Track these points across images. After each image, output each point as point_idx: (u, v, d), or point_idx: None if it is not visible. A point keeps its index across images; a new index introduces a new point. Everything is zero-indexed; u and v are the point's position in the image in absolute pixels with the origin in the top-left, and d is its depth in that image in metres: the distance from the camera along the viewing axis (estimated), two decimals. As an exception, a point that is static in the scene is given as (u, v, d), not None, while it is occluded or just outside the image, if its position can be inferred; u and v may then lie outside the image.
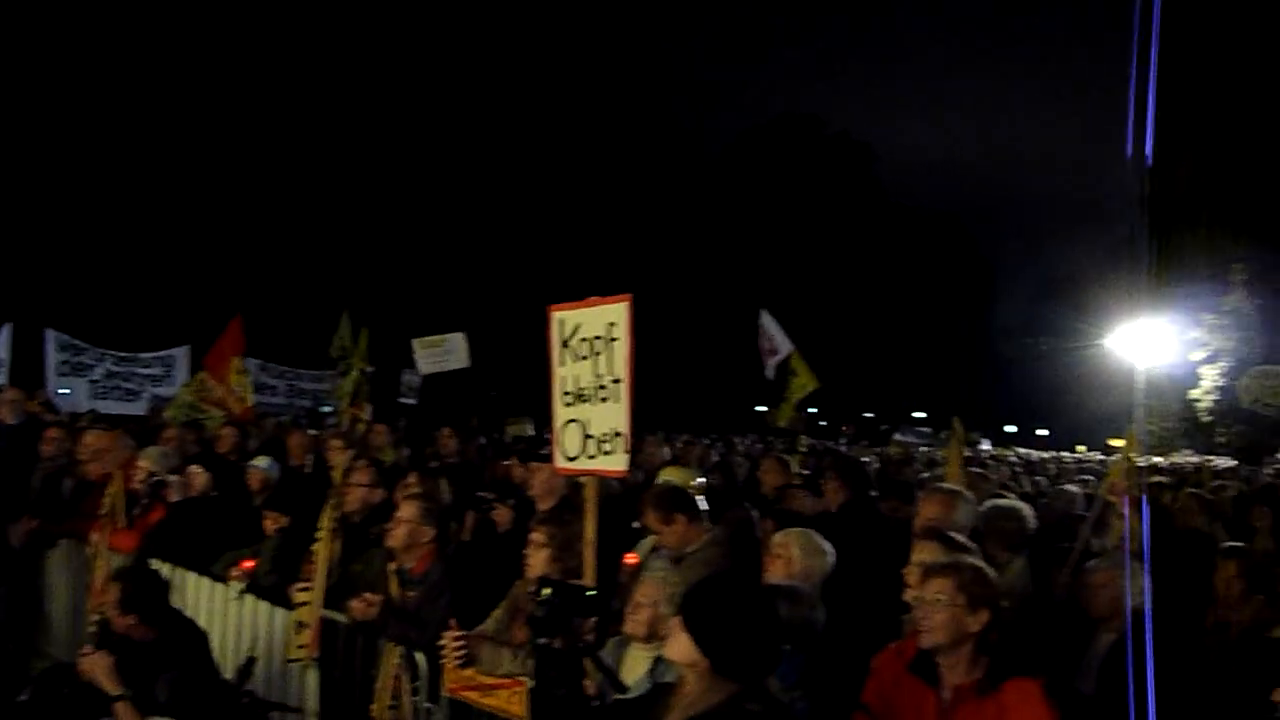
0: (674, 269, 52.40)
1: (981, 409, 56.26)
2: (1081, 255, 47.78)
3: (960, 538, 4.26)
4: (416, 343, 12.66)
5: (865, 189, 68.65)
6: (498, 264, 44.12)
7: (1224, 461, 29.90)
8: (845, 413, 50.44)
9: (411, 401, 17.82)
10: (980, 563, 3.52)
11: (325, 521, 5.05)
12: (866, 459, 15.36)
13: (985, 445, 31.37)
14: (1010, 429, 62.24)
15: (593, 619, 3.25)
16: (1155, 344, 35.32)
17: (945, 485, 5.59)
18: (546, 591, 3.13)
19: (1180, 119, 35.09)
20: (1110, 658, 4.18)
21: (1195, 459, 32.69)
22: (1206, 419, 37.18)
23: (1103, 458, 27.96)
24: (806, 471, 8.20)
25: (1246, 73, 36.52)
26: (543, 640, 3.05)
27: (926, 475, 13.11)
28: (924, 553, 4.13)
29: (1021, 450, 32.99)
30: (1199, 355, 36.50)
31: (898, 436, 29.86)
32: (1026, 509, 5.96)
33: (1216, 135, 36.95)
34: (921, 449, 25.66)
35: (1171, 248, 38.80)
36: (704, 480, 6.60)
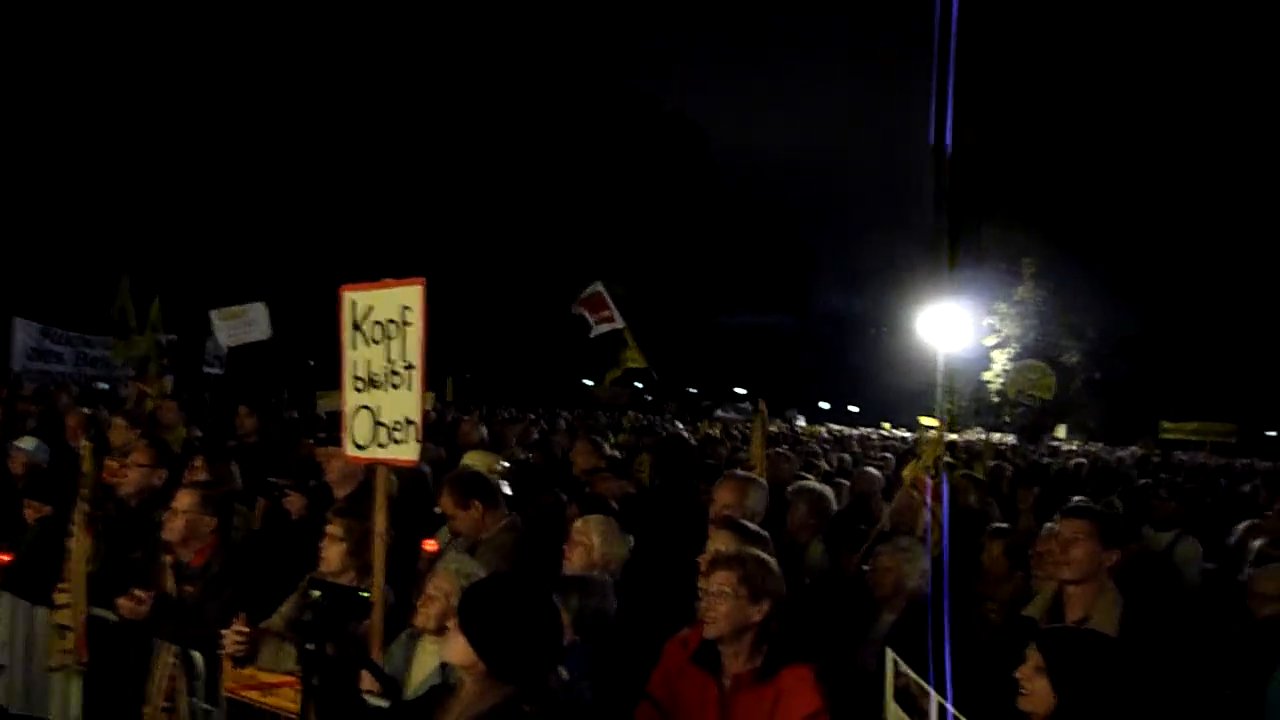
0: (505, 241, 51.75)
1: (798, 387, 59.01)
2: (895, 243, 50.71)
3: (753, 526, 4.39)
4: (215, 314, 11.86)
5: (699, 171, 70.02)
6: (315, 230, 42.11)
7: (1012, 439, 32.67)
8: (670, 388, 51.57)
9: (217, 371, 16.80)
10: (764, 554, 3.63)
11: (76, 515, 4.63)
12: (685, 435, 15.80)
13: (800, 421, 32.83)
14: (824, 405, 65.67)
15: (366, 622, 3.11)
16: (954, 329, 38.03)
17: (740, 472, 5.76)
18: (316, 594, 2.98)
19: (981, 117, 37.62)
20: (890, 636, 4.42)
21: (983, 436, 35.53)
22: (995, 400, 40.33)
23: (906, 435, 29.91)
24: (618, 454, 8.25)
25: (1042, 74, 39.59)
26: (310, 645, 2.89)
27: (742, 454, 13.61)
28: (718, 541, 4.24)
29: (834, 426, 34.82)
30: (991, 340, 39.50)
31: (719, 413, 30.77)
32: (828, 492, 6.24)
33: (1011, 136, 39.94)
34: (740, 426, 26.52)
35: (971, 240, 41.88)
36: (508, 465, 6.52)
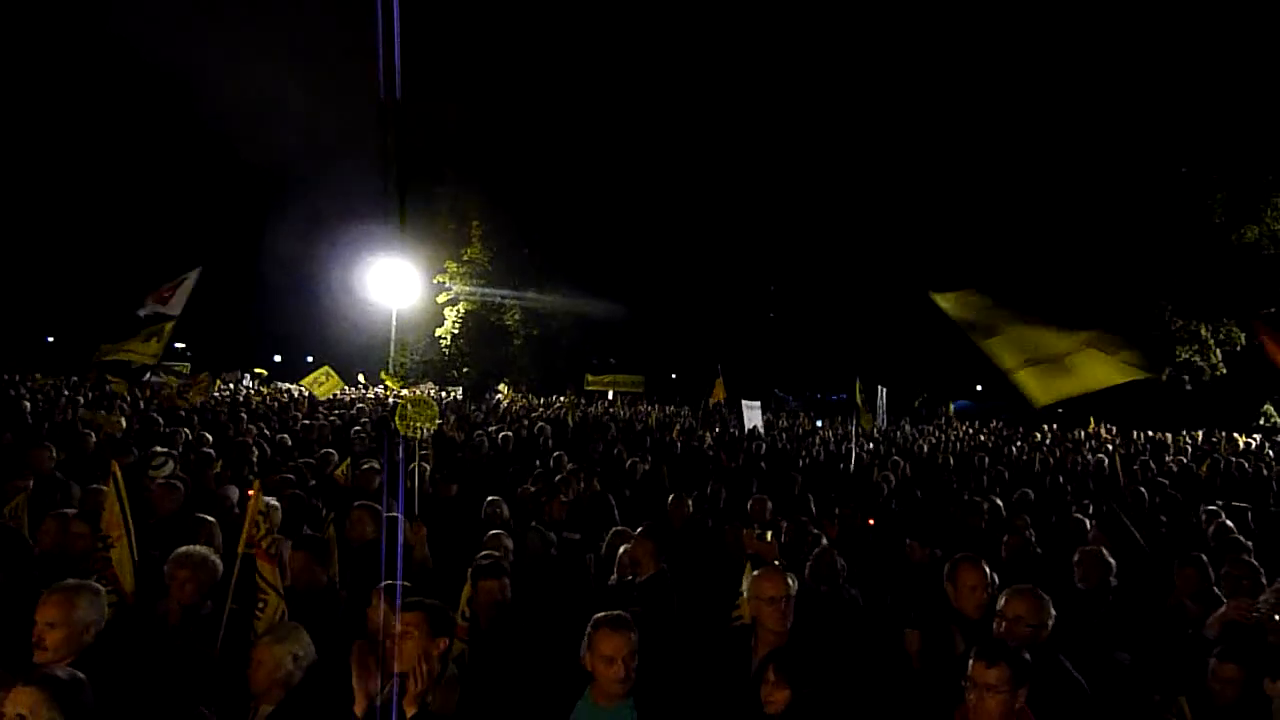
0: None
1: (250, 341, 55.44)
2: (350, 195, 49.80)
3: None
4: None
5: (131, 101, 61.14)
6: None
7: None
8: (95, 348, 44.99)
9: None
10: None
11: None
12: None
13: (247, 382, 30.95)
14: (277, 359, 62.69)
15: None
16: (407, 285, 39.00)
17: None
18: None
19: (435, 78, 38.54)
20: None
21: (435, 390, 37.11)
22: (448, 356, 42.19)
23: (357, 392, 29.89)
24: None
25: (495, 41, 41.61)
26: None
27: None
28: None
29: (283, 385, 33.46)
30: (444, 298, 41.10)
31: (150, 377, 27.53)
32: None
33: (463, 98, 41.57)
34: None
35: (424, 199, 43.00)
36: None
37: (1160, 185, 30.99)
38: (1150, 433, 23.65)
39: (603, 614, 3.89)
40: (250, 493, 5.06)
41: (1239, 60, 28.56)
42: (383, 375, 27.17)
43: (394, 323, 39.47)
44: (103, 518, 4.84)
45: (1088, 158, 31.45)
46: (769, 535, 5.83)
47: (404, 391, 28.06)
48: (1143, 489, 10.59)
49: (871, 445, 17.07)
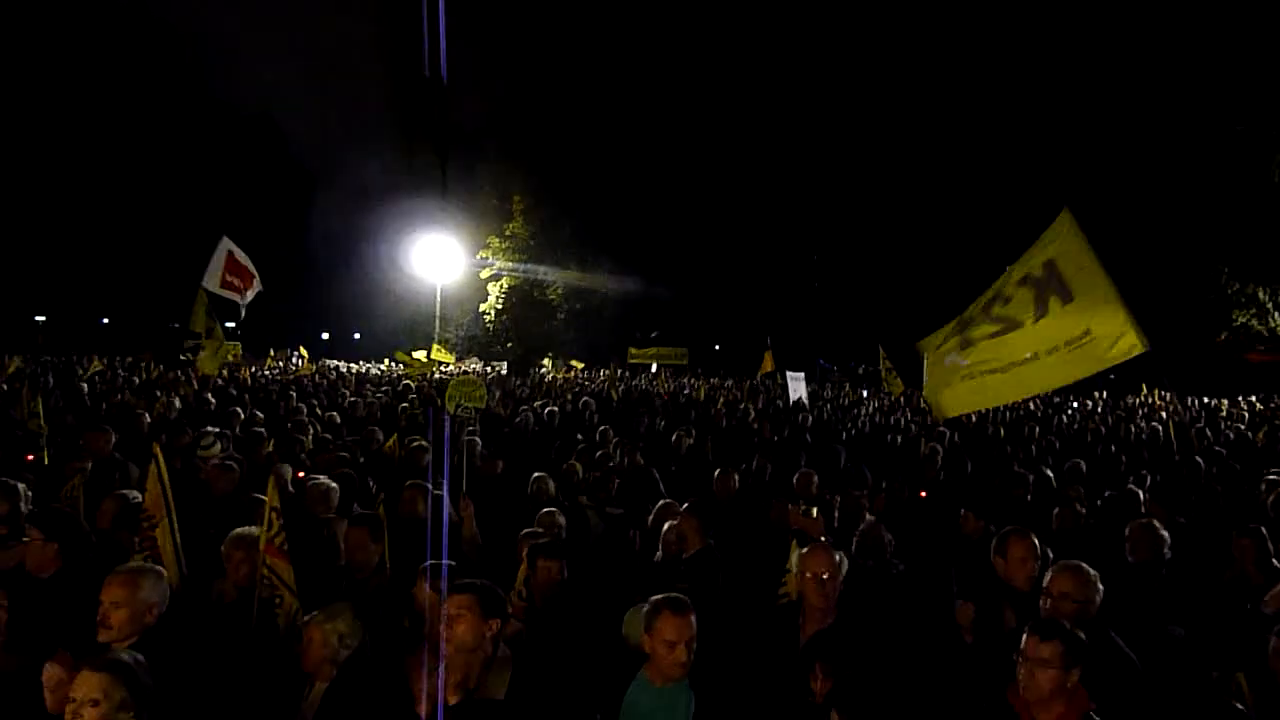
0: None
1: (291, 316, 56.20)
2: (394, 171, 50.04)
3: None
4: None
5: (177, 80, 62.06)
6: None
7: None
8: (151, 331, 45.91)
9: None
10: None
11: None
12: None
13: (295, 360, 31.45)
14: (325, 336, 63.52)
15: None
16: (450, 260, 39.25)
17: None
18: None
19: (476, 56, 38.60)
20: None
21: (480, 365, 37.41)
22: (492, 331, 42.46)
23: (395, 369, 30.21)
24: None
25: (539, 20, 41.60)
26: None
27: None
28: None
29: (334, 362, 33.99)
30: (487, 274, 41.30)
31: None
32: None
33: (506, 75, 41.68)
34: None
35: (465, 175, 43.19)
36: None
37: (1217, 145, 30.01)
38: (1206, 399, 23.07)
39: (663, 596, 3.88)
40: (283, 485, 5.11)
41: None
42: (435, 350, 27.29)
43: (438, 298, 39.79)
44: (146, 498, 4.93)
45: (1143, 118, 30.56)
46: (815, 511, 5.80)
47: (450, 366, 28.35)
48: (1199, 458, 10.36)
49: (917, 417, 16.88)
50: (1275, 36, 28.13)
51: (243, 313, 16.54)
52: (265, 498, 4.72)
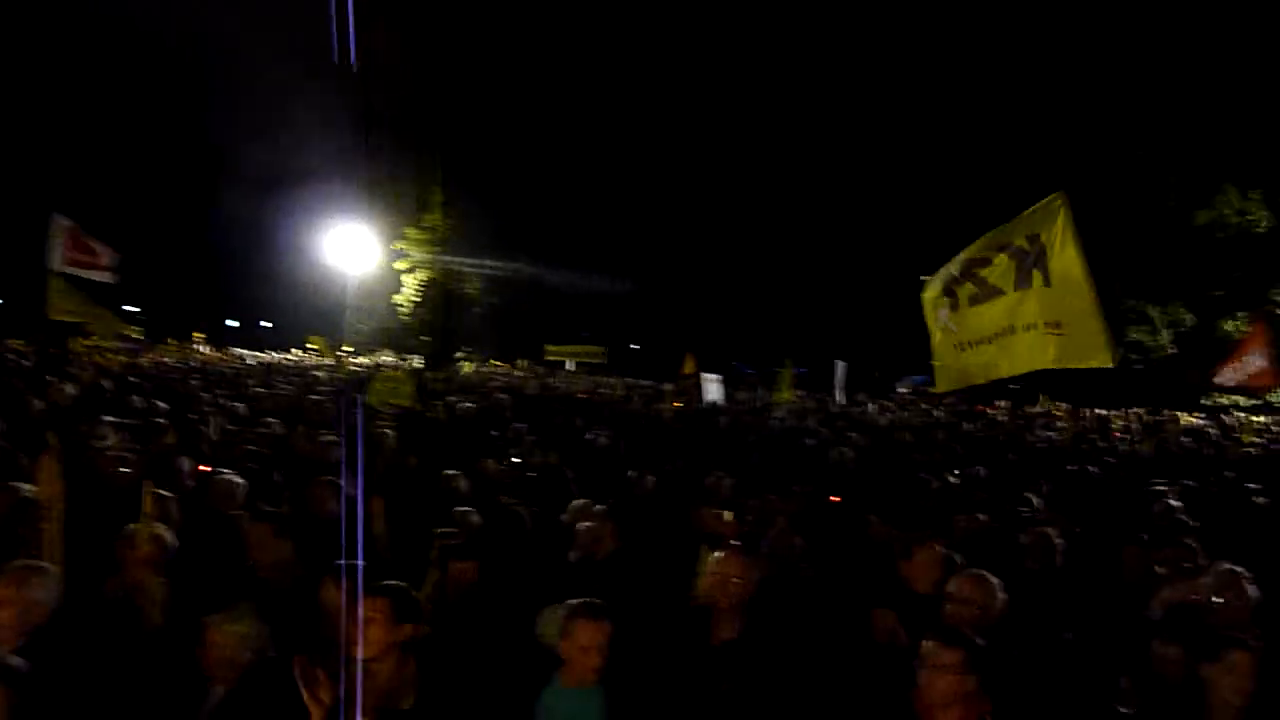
0: None
1: (201, 301, 54.31)
2: (310, 154, 48.74)
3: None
4: None
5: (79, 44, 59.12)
6: None
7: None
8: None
9: None
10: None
11: None
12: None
13: (197, 346, 30.41)
14: (233, 324, 61.46)
15: None
16: (364, 250, 38.49)
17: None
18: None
19: (392, 41, 37.85)
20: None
21: (393, 358, 36.75)
22: (406, 322, 41.72)
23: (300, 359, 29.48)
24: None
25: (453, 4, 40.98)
26: None
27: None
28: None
29: (240, 351, 32.95)
30: (403, 265, 40.57)
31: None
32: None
33: (427, 64, 40.91)
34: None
35: (388, 163, 42.31)
36: None
37: (1115, 167, 31.50)
38: (1099, 410, 24.15)
39: (580, 601, 3.89)
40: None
41: (1195, 52, 29.05)
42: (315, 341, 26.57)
43: (349, 289, 38.95)
44: (39, 490, 4.69)
45: (1045, 140, 31.84)
46: (728, 514, 5.87)
47: (357, 359, 27.74)
48: (1091, 467, 10.83)
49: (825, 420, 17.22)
50: (1174, 69, 29.70)
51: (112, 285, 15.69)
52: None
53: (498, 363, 32.55)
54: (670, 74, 41.36)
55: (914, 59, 35.84)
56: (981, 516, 7.23)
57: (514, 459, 8.89)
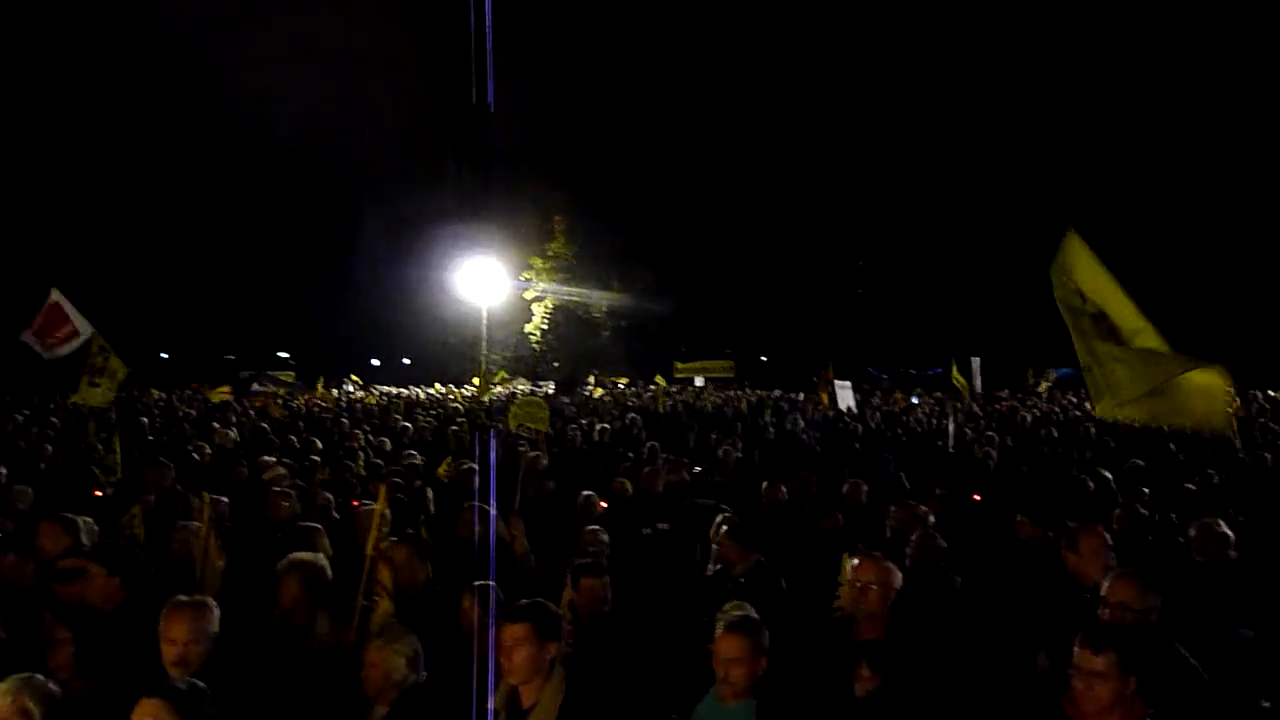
0: None
1: (342, 343, 57.00)
2: (438, 196, 50.61)
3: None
4: None
5: (212, 116, 63.49)
6: None
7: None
8: (204, 358, 46.91)
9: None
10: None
11: None
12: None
13: (349, 387, 31.98)
14: (375, 362, 64.22)
15: None
16: (494, 283, 39.64)
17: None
18: None
19: (519, 80, 39.18)
20: None
21: (527, 386, 37.65)
22: (538, 351, 42.72)
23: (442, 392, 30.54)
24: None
25: (579, 40, 42.10)
26: None
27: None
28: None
29: (382, 388, 34.44)
30: (531, 294, 41.60)
31: (256, 387, 28.80)
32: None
33: (548, 99, 42.14)
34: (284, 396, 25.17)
35: (509, 197, 43.64)
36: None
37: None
38: (1270, 391, 22.37)
39: (726, 615, 3.89)
40: (380, 496, 5.23)
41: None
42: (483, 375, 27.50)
43: (484, 321, 40.14)
44: (201, 531, 5.09)
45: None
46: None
47: (496, 389, 28.54)
48: (1266, 453, 10.06)
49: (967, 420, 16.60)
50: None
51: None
52: (376, 506, 5.03)
53: (625, 381, 32.84)
54: (794, 84, 41.18)
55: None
56: (1142, 511, 6.82)
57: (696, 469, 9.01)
